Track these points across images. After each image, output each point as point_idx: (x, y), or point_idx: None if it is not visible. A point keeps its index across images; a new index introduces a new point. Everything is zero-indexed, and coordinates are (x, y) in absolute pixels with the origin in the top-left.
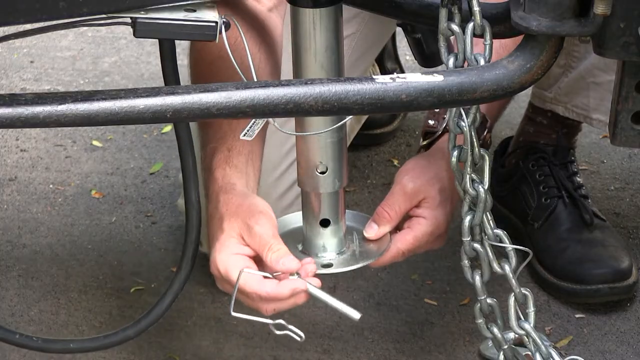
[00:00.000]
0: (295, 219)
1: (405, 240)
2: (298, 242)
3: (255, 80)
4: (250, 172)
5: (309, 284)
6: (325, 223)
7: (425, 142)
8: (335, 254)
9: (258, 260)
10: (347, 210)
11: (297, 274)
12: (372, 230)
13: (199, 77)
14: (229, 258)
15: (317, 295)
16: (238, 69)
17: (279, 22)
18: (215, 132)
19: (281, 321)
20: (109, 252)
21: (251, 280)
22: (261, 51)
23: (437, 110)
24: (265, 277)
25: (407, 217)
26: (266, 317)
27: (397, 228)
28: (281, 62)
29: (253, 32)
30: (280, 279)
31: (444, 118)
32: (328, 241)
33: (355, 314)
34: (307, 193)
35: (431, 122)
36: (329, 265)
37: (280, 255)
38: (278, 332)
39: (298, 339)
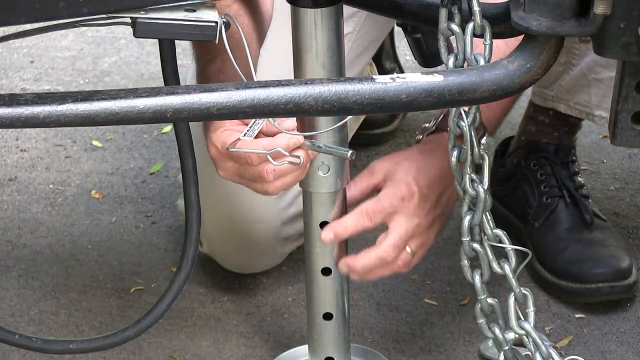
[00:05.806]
0: None
1: (368, 203)
2: None
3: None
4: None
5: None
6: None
7: (419, 137)
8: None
9: None
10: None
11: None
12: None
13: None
14: (224, 132)
15: (313, 144)
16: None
17: None
18: (210, 49)
19: (278, 148)
20: (109, 252)
21: (247, 142)
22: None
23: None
24: None
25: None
26: (262, 151)
27: None
28: (267, 25)
29: None
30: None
31: (436, 118)
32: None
33: (347, 153)
34: (308, 193)
35: (427, 125)
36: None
37: (275, 118)
38: (277, 164)
39: (296, 163)
